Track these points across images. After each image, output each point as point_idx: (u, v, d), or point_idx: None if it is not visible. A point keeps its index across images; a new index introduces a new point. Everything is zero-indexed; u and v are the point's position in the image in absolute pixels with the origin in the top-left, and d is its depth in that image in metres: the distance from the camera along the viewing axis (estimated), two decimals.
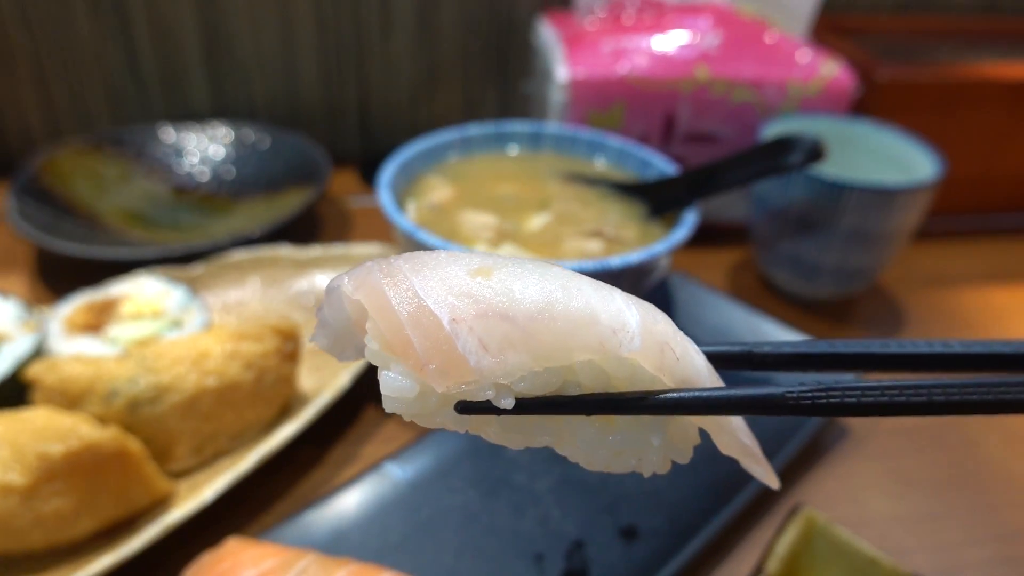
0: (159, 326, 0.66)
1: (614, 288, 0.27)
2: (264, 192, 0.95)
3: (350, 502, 0.56)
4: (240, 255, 0.77)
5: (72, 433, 0.49)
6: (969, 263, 0.96)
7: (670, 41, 0.88)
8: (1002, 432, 0.70)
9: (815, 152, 0.62)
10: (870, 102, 0.90)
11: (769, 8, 0.97)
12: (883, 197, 0.73)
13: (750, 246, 0.88)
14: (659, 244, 0.62)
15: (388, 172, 0.70)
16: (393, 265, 0.26)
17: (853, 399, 0.24)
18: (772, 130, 0.81)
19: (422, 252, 0.28)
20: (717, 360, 0.29)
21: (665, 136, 0.89)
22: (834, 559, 0.50)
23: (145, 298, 0.68)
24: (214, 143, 1.01)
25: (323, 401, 0.61)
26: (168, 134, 1.00)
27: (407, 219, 0.64)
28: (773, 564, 0.48)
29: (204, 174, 0.98)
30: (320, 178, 0.91)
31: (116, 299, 0.68)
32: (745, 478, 0.58)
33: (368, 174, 1.05)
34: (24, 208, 0.81)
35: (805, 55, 0.88)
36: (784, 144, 0.64)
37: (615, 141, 0.79)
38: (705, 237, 0.83)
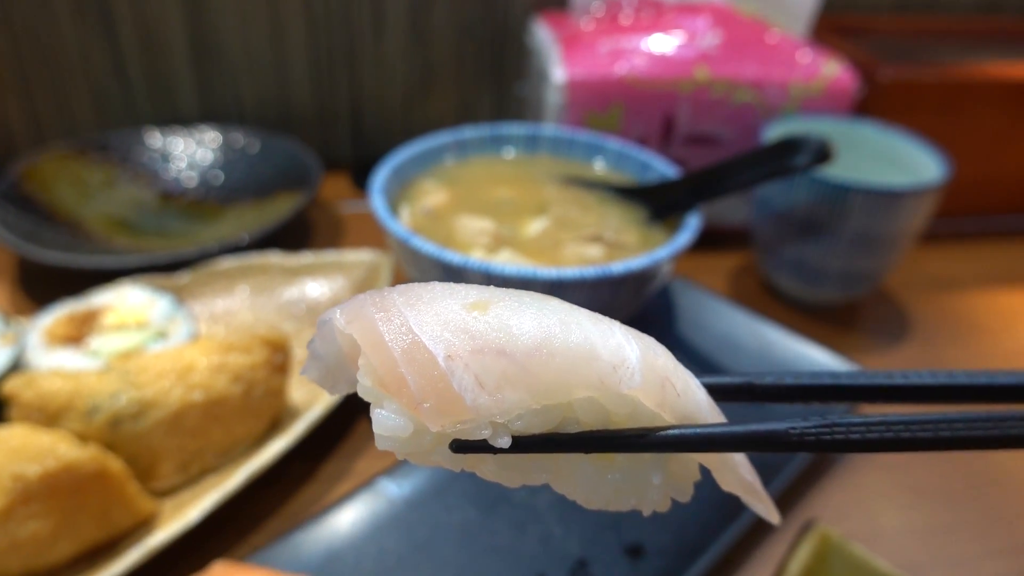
0: (143, 337, 0.63)
1: (613, 321, 0.26)
2: (253, 198, 0.92)
3: (343, 521, 0.53)
4: (228, 263, 0.74)
5: (50, 453, 0.47)
6: (974, 266, 0.94)
7: (669, 41, 0.86)
8: None
9: (823, 153, 0.60)
10: (872, 103, 0.88)
11: (769, 8, 0.95)
12: (889, 199, 0.71)
13: (752, 250, 0.87)
14: (662, 249, 0.60)
15: (381, 176, 0.68)
16: (387, 299, 0.26)
17: (858, 435, 0.24)
18: (774, 131, 0.80)
19: (416, 285, 0.27)
20: (717, 392, 0.28)
21: (664, 138, 0.87)
22: None
23: (129, 308, 0.66)
24: (202, 148, 0.98)
25: (315, 415, 0.59)
26: (154, 138, 0.97)
27: (400, 225, 0.62)
28: None
29: (192, 179, 0.96)
30: (311, 183, 0.89)
31: (99, 309, 0.65)
32: None
33: (360, 179, 1.03)
34: (4, 216, 0.79)
35: (806, 55, 0.86)
36: (790, 145, 0.62)
37: (614, 143, 0.77)
38: (705, 242, 0.81)
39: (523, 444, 0.25)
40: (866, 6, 1.13)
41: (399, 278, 0.76)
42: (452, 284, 0.27)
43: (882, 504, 0.61)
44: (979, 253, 0.97)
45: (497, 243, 0.65)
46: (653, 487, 0.27)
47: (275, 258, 0.76)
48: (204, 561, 0.48)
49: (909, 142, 0.80)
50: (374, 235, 0.90)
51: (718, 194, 0.66)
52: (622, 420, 0.26)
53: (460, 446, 0.24)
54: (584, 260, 0.64)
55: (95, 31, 0.96)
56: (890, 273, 0.80)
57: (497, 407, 0.24)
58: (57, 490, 0.47)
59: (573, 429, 0.26)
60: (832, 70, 0.85)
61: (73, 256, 0.74)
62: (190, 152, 0.98)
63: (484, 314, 0.25)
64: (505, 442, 0.24)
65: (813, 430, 0.24)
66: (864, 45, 0.96)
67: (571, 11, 0.96)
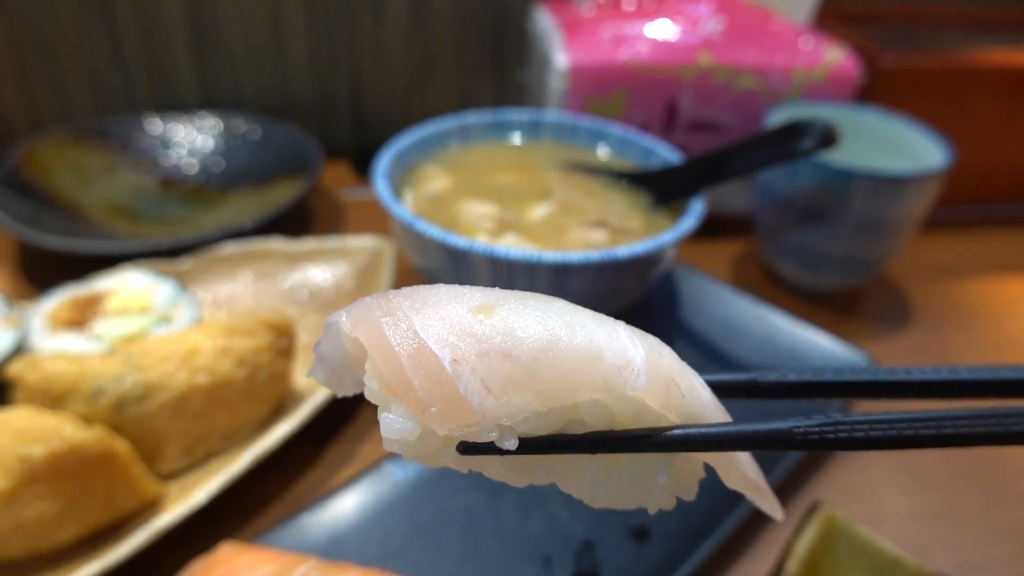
0: (147, 322, 0.63)
1: (618, 322, 0.27)
2: (254, 184, 0.92)
3: (348, 504, 0.53)
4: (231, 248, 0.74)
5: (55, 434, 0.47)
6: (976, 253, 0.94)
7: (671, 27, 0.86)
8: None
9: (828, 137, 0.60)
10: (874, 89, 0.88)
11: None
12: (893, 185, 0.71)
13: (753, 237, 0.87)
14: (667, 234, 0.60)
15: (384, 161, 0.68)
16: (392, 302, 0.26)
17: (861, 433, 0.24)
18: (777, 118, 0.79)
19: (421, 287, 0.27)
20: (721, 389, 0.29)
21: (667, 124, 0.86)
22: (856, 559, 0.48)
23: (132, 293, 0.66)
24: (202, 134, 0.98)
25: (319, 399, 0.59)
26: (154, 125, 0.97)
27: (405, 209, 0.62)
28: (793, 564, 0.46)
29: (192, 166, 0.95)
30: (312, 169, 0.88)
31: (101, 294, 0.65)
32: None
33: (361, 166, 1.03)
34: (4, 201, 0.78)
35: (809, 42, 0.86)
36: (795, 129, 0.62)
37: (617, 129, 0.77)
38: (707, 229, 0.81)
39: (529, 446, 0.25)
40: None
41: (402, 264, 0.76)
42: (457, 287, 0.27)
43: (885, 488, 0.61)
44: (981, 241, 0.97)
45: (501, 228, 0.65)
46: (658, 486, 0.27)
47: (277, 244, 0.75)
48: (209, 544, 0.48)
49: (911, 129, 0.80)
50: (375, 222, 0.90)
51: (722, 179, 0.66)
52: (627, 421, 0.26)
53: (467, 448, 0.25)
54: (588, 245, 0.64)
55: (93, 17, 0.95)
56: (892, 260, 0.80)
57: (503, 410, 0.24)
58: (62, 472, 0.47)
59: (579, 430, 0.26)
60: (835, 56, 0.85)
61: (74, 241, 0.74)
62: (190, 139, 0.97)
63: (489, 317, 0.25)
64: (512, 444, 0.24)
65: (816, 429, 0.24)
66: (866, 32, 0.96)
67: None
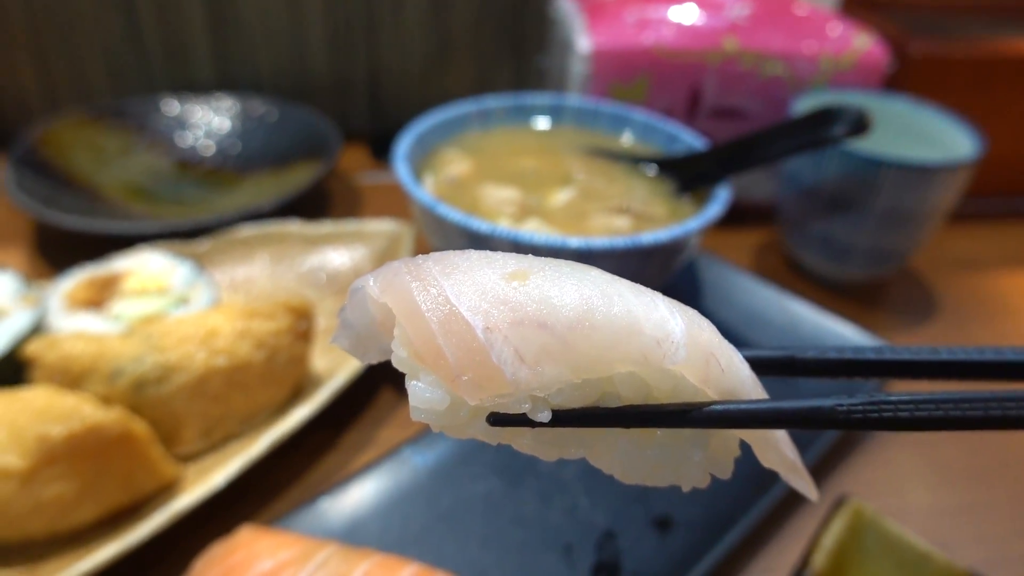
0: (165, 303, 0.63)
1: (656, 293, 0.25)
2: (271, 167, 0.91)
3: (367, 490, 0.53)
4: (248, 231, 0.74)
5: (74, 414, 0.46)
6: (1001, 246, 0.93)
7: (697, 11, 0.84)
8: None
9: (861, 124, 0.58)
10: (903, 78, 0.86)
11: None
12: (922, 175, 0.69)
13: (776, 227, 0.85)
14: (693, 220, 0.59)
15: (404, 144, 0.67)
16: (422, 267, 0.25)
17: (906, 413, 0.23)
18: (803, 105, 0.78)
19: (451, 253, 0.25)
20: (758, 366, 0.28)
21: (690, 111, 0.85)
22: (884, 553, 0.47)
23: (150, 273, 0.65)
24: (219, 116, 0.97)
25: (338, 383, 0.58)
26: (171, 106, 0.96)
27: (426, 192, 0.61)
28: (820, 558, 0.45)
29: (209, 148, 0.95)
30: (330, 152, 0.87)
31: (119, 274, 0.65)
32: None
33: (379, 150, 1.02)
34: (21, 180, 0.78)
35: (836, 28, 0.84)
36: (827, 115, 0.60)
37: (640, 115, 0.76)
38: (729, 217, 0.79)
39: (562, 418, 0.24)
40: None
41: (421, 248, 0.75)
42: (488, 252, 0.26)
43: (911, 482, 0.60)
44: (1007, 234, 0.95)
45: (523, 212, 0.64)
46: (693, 463, 0.26)
47: (295, 226, 0.75)
48: (227, 527, 0.47)
49: (940, 118, 0.78)
50: (393, 206, 0.89)
51: (749, 166, 0.64)
52: (664, 395, 0.25)
53: (498, 420, 0.24)
54: (611, 231, 0.63)
55: None
56: (917, 252, 0.79)
57: (537, 380, 0.23)
58: (82, 452, 0.46)
59: (613, 403, 0.25)
60: (863, 43, 0.83)
61: (92, 221, 0.74)
62: (207, 120, 0.97)
63: (524, 284, 0.24)
64: (545, 416, 0.24)
65: (860, 407, 0.23)
66: (894, 19, 0.94)
67: None
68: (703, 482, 0.27)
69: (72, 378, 0.51)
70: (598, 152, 0.74)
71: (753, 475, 0.55)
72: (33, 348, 0.52)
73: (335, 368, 0.61)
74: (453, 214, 0.57)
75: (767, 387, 0.27)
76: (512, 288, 0.24)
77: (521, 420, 0.24)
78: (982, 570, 0.52)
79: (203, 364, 0.53)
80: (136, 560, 0.48)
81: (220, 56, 1.02)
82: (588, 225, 0.64)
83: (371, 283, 0.25)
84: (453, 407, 0.24)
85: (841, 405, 0.23)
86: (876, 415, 0.23)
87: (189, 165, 0.92)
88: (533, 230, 0.60)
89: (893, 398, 0.23)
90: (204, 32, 1.00)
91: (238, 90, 1.03)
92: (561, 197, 0.67)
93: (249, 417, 0.56)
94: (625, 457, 0.26)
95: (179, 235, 0.73)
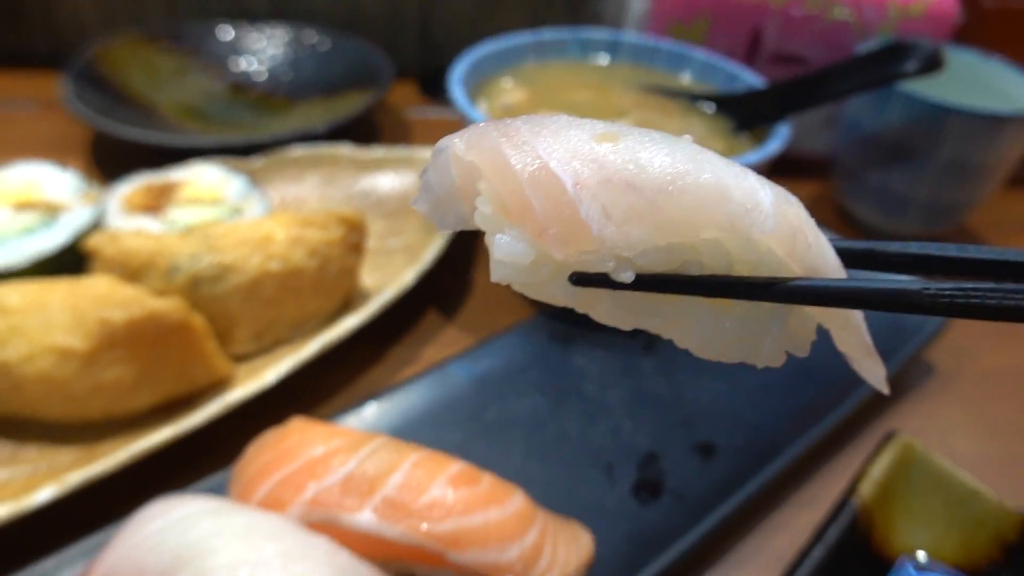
0: (219, 212, 0.63)
1: (745, 166, 0.25)
2: (322, 94, 0.91)
3: (412, 398, 0.53)
4: (300, 151, 0.74)
5: (135, 301, 0.47)
6: None
7: None
8: None
9: (934, 60, 0.57)
10: (973, 30, 0.83)
11: None
12: (990, 124, 0.67)
13: (829, 179, 0.83)
14: (752, 154, 0.58)
15: (460, 68, 0.66)
16: (511, 126, 0.24)
17: (994, 301, 0.22)
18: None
19: (539, 115, 0.25)
20: (838, 255, 0.27)
21: (749, 56, 0.83)
22: (932, 488, 0.46)
23: (205, 184, 0.66)
24: (272, 43, 0.97)
25: (386, 297, 0.59)
26: (226, 32, 0.96)
27: (482, 114, 0.60)
28: (867, 487, 0.45)
29: (261, 74, 0.95)
30: (382, 82, 0.87)
31: (176, 183, 0.66)
32: (829, 404, 0.54)
33: (429, 87, 1.01)
34: (80, 92, 0.79)
35: None
36: (897, 50, 0.58)
37: (699, 53, 0.74)
38: (781, 167, 0.78)
39: (645, 282, 0.24)
40: None
41: None
42: (577, 117, 0.25)
43: (956, 433, 0.59)
44: None
45: None
46: (771, 338, 0.26)
47: (346, 149, 0.75)
48: (277, 423, 0.48)
49: (1011, 73, 0.76)
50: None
51: (812, 103, 0.63)
52: (745, 267, 0.24)
53: (580, 279, 0.24)
54: None
55: None
56: (976, 210, 0.77)
57: (622, 240, 0.23)
58: (141, 338, 0.47)
59: (695, 271, 0.24)
60: None
61: (149, 132, 0.74)
62: (261, 47, 0.97)
63: (615, 145, 0.23)
64: (628, 277, 0.23)
65: (948, 291, 0.23)
66: None
67: None
68: (778, 360, 0.26)
69: (131, 272, 0.52)
70: (655, 89, 0.73)
71: (797, 412, 0.55)
72: (94, 241, 0.53)
73: (383, 285, 0.61)
74: None
75: None
76: (602, 148, 0.23)
77: (603, 281, 0.23)
78: None
79: (257, 267, 0.54)
80: (189, 448, 0.49)
81: None
82: None
83: (456, 142, 0.25)
84: (536, 263, 0.24)
85: (928, 289, 0.23)
86: (963, 301, 0.23)
87: (242, 89, 0.93)
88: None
89: (983, 285, 0.22)
90: None
91: (291, 20, 1.02)
92: None
93: (299, 323, 0.57)
94: (702, 329, 0.25)
95: (233, 152, 0.74)
